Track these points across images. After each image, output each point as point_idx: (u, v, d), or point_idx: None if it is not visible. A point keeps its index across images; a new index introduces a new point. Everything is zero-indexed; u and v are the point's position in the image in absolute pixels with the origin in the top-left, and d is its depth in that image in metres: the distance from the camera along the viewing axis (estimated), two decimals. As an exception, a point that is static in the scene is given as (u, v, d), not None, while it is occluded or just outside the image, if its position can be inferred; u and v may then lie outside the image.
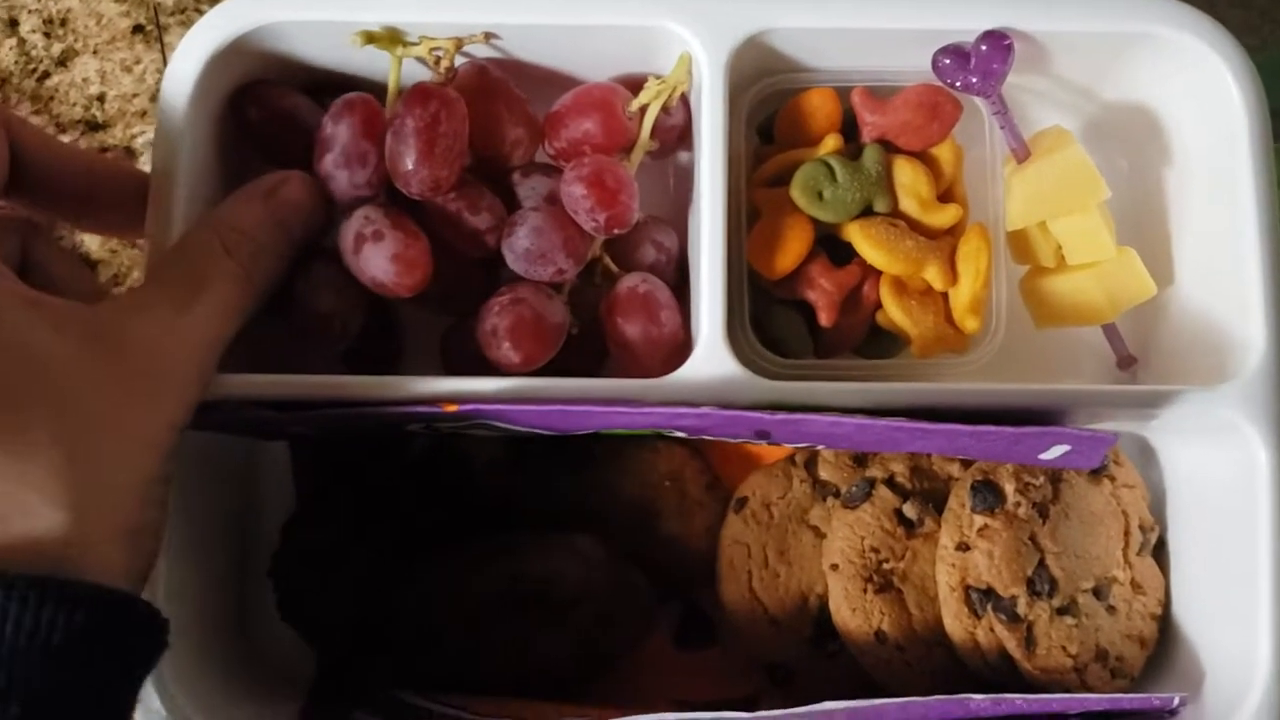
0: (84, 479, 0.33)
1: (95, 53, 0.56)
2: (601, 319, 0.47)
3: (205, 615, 0.47)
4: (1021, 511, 0.45)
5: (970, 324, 0.47)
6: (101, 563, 0.33)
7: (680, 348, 0.46)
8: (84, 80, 0.56)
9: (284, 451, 0.52)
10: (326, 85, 0.49)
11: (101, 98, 0.56)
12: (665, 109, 0.47)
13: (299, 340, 0.45)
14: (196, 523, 0.46)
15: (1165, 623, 0.48)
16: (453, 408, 0.41)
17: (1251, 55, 0.55)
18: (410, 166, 0.44)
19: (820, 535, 0.48)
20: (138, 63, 0.56)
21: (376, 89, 0.47)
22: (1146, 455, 0.50)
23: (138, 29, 0.56)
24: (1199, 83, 0.46)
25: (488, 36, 0.46)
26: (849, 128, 0.49)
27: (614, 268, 0.48)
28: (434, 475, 0.50)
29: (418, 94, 0.44)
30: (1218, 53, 0.45)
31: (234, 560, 0.51)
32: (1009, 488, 0.45)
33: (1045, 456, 0.42)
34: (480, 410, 0.41)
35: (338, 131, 0.44)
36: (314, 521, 0.49)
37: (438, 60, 0.46)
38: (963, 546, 0.45)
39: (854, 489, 0.47)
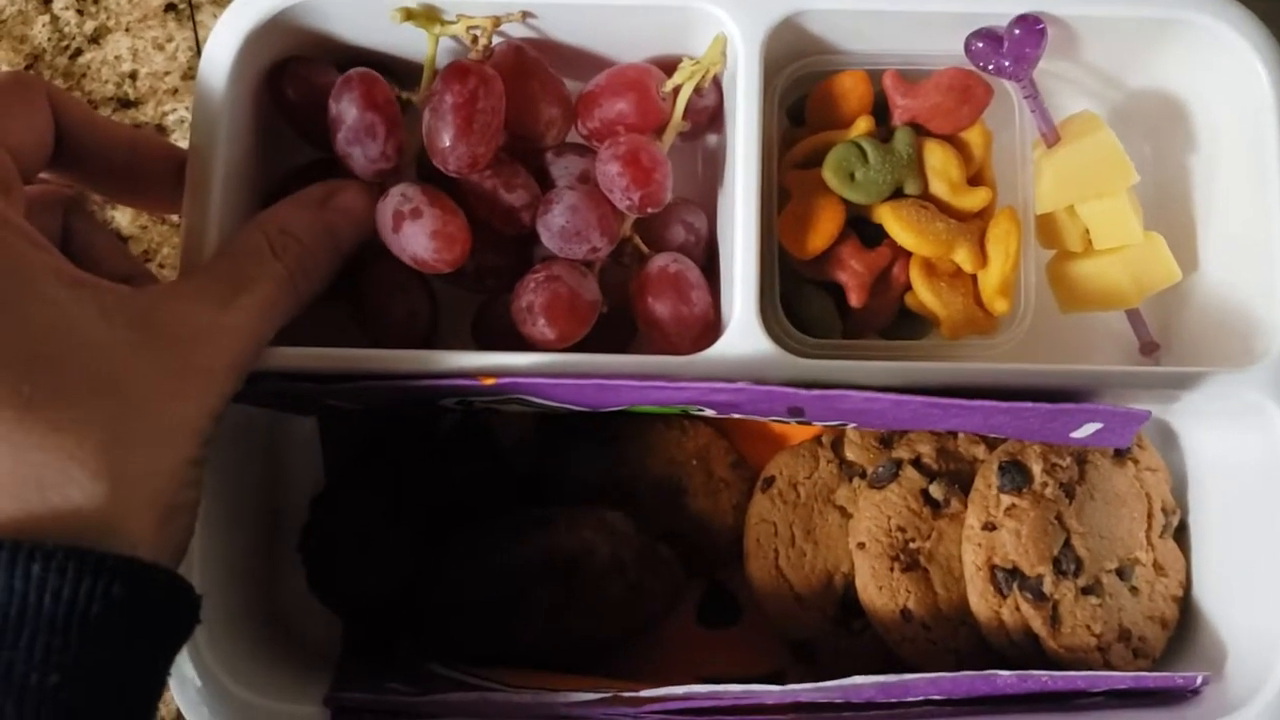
0: (124, 456, 0.33)
1: (127, 30, 0.56)
2: (632, 298, 0.47)
3: (237, 586, 0.47)
4: (1048, 492, 0.45)
5: (1000, 306, 0.47)
6: (139, 537, 0.33)
7: (710, 327, 0.47)
8: (116, 58, 0.56)
9: (310, 427, 0.52)
10: (364, 62, 0.49)
11: (133, 75, 0.56)
12: (698, 90, 0.48)
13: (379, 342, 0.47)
14: (226, 496, 0.47)
15: (1186, 604, 0.49)
16: (490, 381, 0.41)
17: None
18: (448, 143, 0.44)
19: (846, 515, 0.49)
20: (169, 40, 0.56)
21: (413, 67, 0.47)
22: (1168, 439, 0.51)
23: (170, 7, 0.56)
24: (1229, 70, 0.47)
25: (525, 16, 0.46)
26: (880, 111, 0.49)
27: (644, 248, 0.48)
28: (463, 451, 0.50)
29: (456, 71, 0.44)
30: (1248, 40, 0.46)
31: (263, 533, 0.51)
32: (1036, 468, 0.46)
33: (1077, 435, 0.43)
34: (517, 384, 0.42)
35: (341, 109, 0.44)
36: (343, 497, 0.50)
37: (475, 39, 0.46)
38: (989, 526, 0.46)
39: (881, 469, 0.48)
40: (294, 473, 0.52)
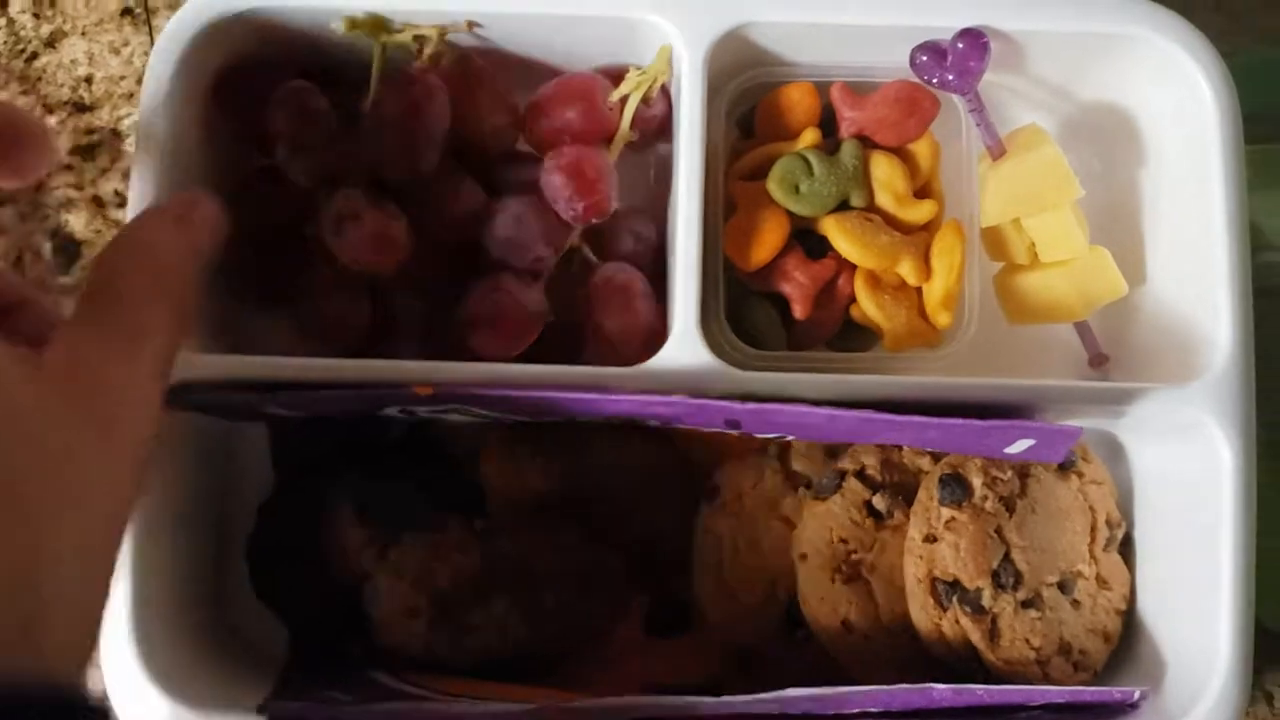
0: (51, 556, 0.30)
1: (84, 34, 0.56)
2: (579, 307, 0.48)
3: (180, 592, 0.47)
4: (988, 505, 0.45)
5: (942, 319, 0.47)
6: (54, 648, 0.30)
7: (656, 337, 0.47)
8: (72, 62, 0.56)
9: (263, 431, 0.52)
10: (315, 67, 0.49)
11: (89, 79, 0.56)
12: (646, 100, 0.48)
13: (309, 342, 0.46)
14: (172, 501, 0.47)
15: (1130, 618, 0.49)
16: (426, 391, 0.41)
17: (1226, 60, 0.56)
18: (391, 152, 0.44)
19: (791, 526, 0.49)
20: (126, 45, 0.56)
21: (364, 72, 0.47)
22: (1115, 452, 0.51)
23: (126, 11, 0.56)
24: (1173, 85, 0.47)
25: (471, 25, 0.46)
26: (828, 122, 0.49)
27: (592, 257, 0.48)
28: (412, 459, 0.50)
29: (399, 80, 0.44)
30: (1192, 56, 0.46)
31: (211, 539, 0.51)
32: (976, 481, 0.46)
33: (1011, 450, 0.43)
34: (453, 394, 0.42)
35: (278, 121, 0.44)
36: (289, 503, 0.50)
37: (421, 47, 0.46)
38: (930, 539, 0.46)
39: (824, 480, 0.48)
40: (245, 478, 0.52)
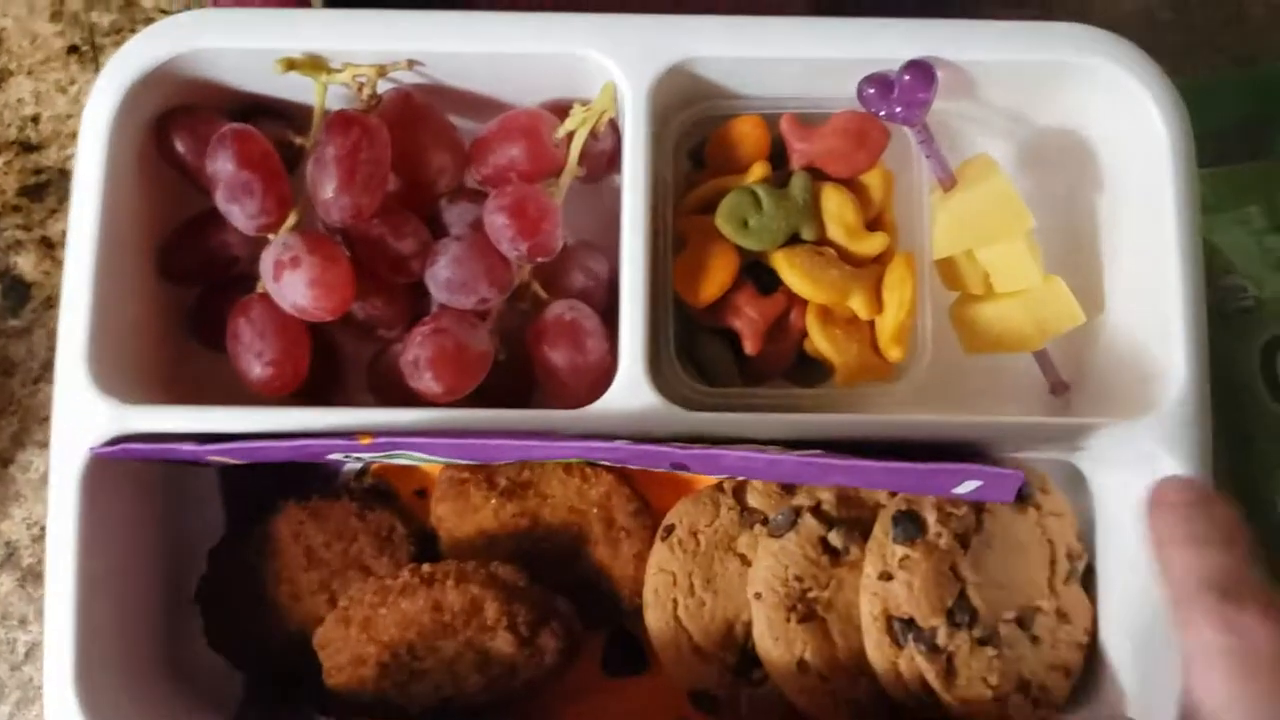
0: None
1: (30, 73, 0.56)
2: (528, 346, 0.47)
3: (129, 638, 0.47)
4: (943, 542, 0.45)
5: (894, 353, 0.47)
6: None
7: (608, 375, 0.46)
8: (18, 101, 0.55)
9: (214, 472, 0.51)
10: (258, 108, 0.49)
11: (36, 119, 0.55)
12: (594, 134, 0.47)
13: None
14: (118, 549, 0.46)
15: (1093, 650, 0.48)
16: (368, 440, 0.41)
17: (1188, 79, 0.55)
18: (330, 194, 0.44)
19: (747, 563, 0.48)
20: (72, 83, 0.55)
21: (307, 113, 0.47)
22: (1076, 482, 0.50)
23: (73, 49, 0.56)
24: (1124, 110, 0.46)
25: (411, 64, 0.46)
26: (780, 154, 0.49)
27: (542, 293, 0.48)
28: (362, 502, 0.49)
29: (338, 122, 0.44)
30: (1140, 80, 0.45)
31: (163, 582, 0.50)
32: (930, 518, 0.45)
33: (959, 491, 0.42)
34: (395, 444, 0.41)
35: (218, 167, 0.44)
36: (240, 547, 0.49)
37: (361, 87, 0.45)
38: (885, 576, 0.45)
39: (779, 517, 0.47)
40: (196, 521, 0.51)
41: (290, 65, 0.45)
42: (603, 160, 0.49)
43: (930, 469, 0.40)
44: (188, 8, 0.56)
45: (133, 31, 0.55)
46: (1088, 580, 0.49)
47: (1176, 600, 0.37)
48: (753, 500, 0.49)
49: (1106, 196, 0.49)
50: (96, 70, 0.56)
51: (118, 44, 0.55)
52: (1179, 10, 0.57)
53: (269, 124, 0.48)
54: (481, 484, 0.49)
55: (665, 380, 0.47)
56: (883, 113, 0.45)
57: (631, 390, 0.43)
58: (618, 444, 0.40)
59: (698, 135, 0.50)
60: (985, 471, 0.40)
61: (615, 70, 0.45)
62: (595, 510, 0.49)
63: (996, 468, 0.40)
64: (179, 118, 0.46)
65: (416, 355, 0.44)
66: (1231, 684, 0.35)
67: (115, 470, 0.45)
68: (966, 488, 0.41)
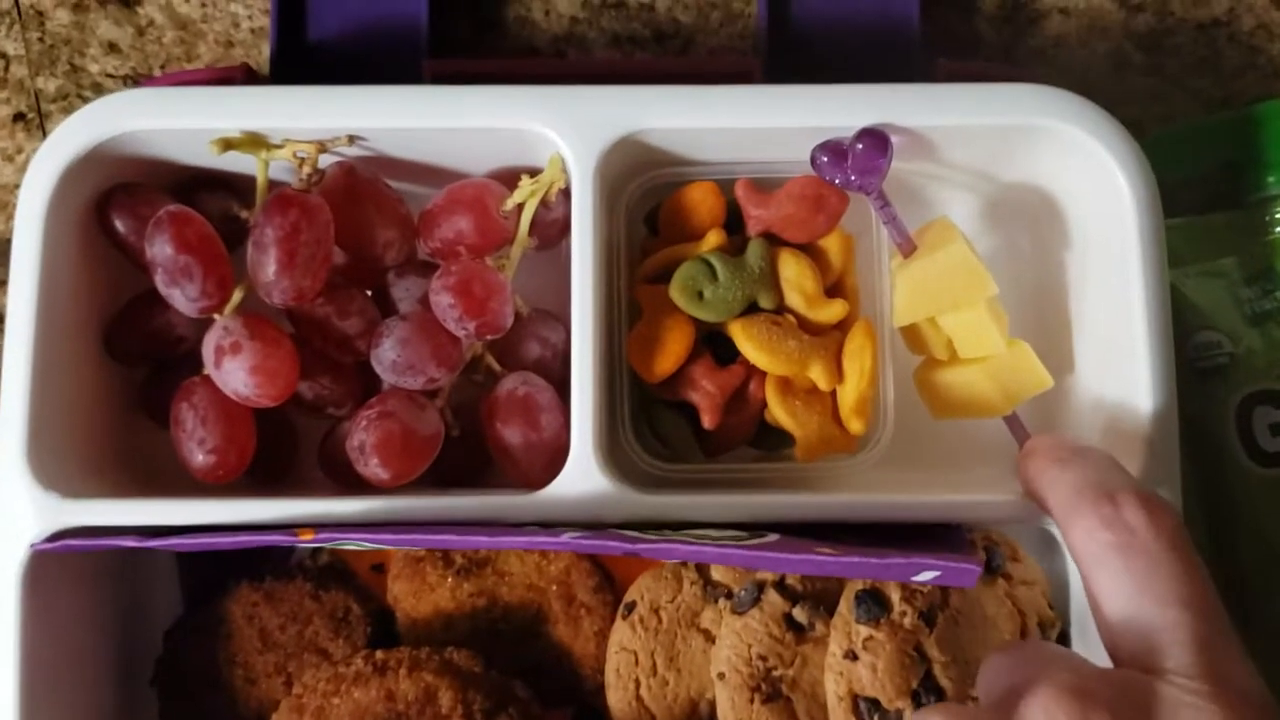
0: None
1: (-24, 141, 0.55)
2: (482, 422, 0.46)
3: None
4: (907, 621, 0.44)
5: (855, 425, 0.45)
6: None
7: (563, 451, 0.45)
8: (-35, 170, 0.54)
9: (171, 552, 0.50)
10: (203, 183, 0.48)
11: (-17, 188, 0.54)
12: (545, 204, 0.46)
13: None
14: (66, 638, 0.45)
15: None
16: (309, 535, 0.40)
17: (1160, 131, 0.54)
18: (271, 277, 0.43)
19: (711, 639, 0.47)
20: (19, 152, 0.54)
21: (254, 185, 0.46)
22: (1049, 545, 0.49)
23: (19, 117, 0.55)
24: (1085, 169, 0.45)
25: (352, 139, 0.44)
26: (736, 219, 0.48)
27: (496, 366, 0.47)
28: (318, 583, 0.48)
29: (277, 203, 0.43)
30: (1100, 140, 0.44)
31: (119, 665, 0.49)
32: (895, 596, 0.44)
33: (918, 579, 0.41)
34: (337, 538, 0.40)
35: (155, 251, 0.42)
36: (196, 629, 0.48)
37: (302, 163, 0.44)
38: (850, 655, 0.44)
39: (743, 593, 0.46)
40: (156, 599, 0.50)
41: (227, 145, 0.43)
42: (556, 228, 0.47)
43: (885, 562, 0.39)
44: (135, 71, 0.55)
45: (80, 98, 0.54)
46: (1065, 644, 0.48)
47: (1059, 517, 0.38)
48: (716, 574, 0.48)
49: (1074, 255, 0.48)
50: (44, 137, 0.54)
51: (65, 110, 0.55)
52: (1150, 53, 0.55)
53: (214, 198, 0.48)
54: (438, 563, 0.48)
55: (622, 456, 0.46)
56: (838, 180, 0.44)
57: (583, 475, 0.42)
58: (565, 538, 0.39)
59: (653, 201, 0.49)
60: (941, 563, 0.39)
61: (562, 144, 0.43)
62: (555, 587, 0.48)
63: (953, 557, 0.39)
64: (118, 197, 0.45)
65: (361, 440, 0.43)
66: (1123, 579, 0.35)
67: (61, 560, 0.44)
68: (925, 576, 0.40)
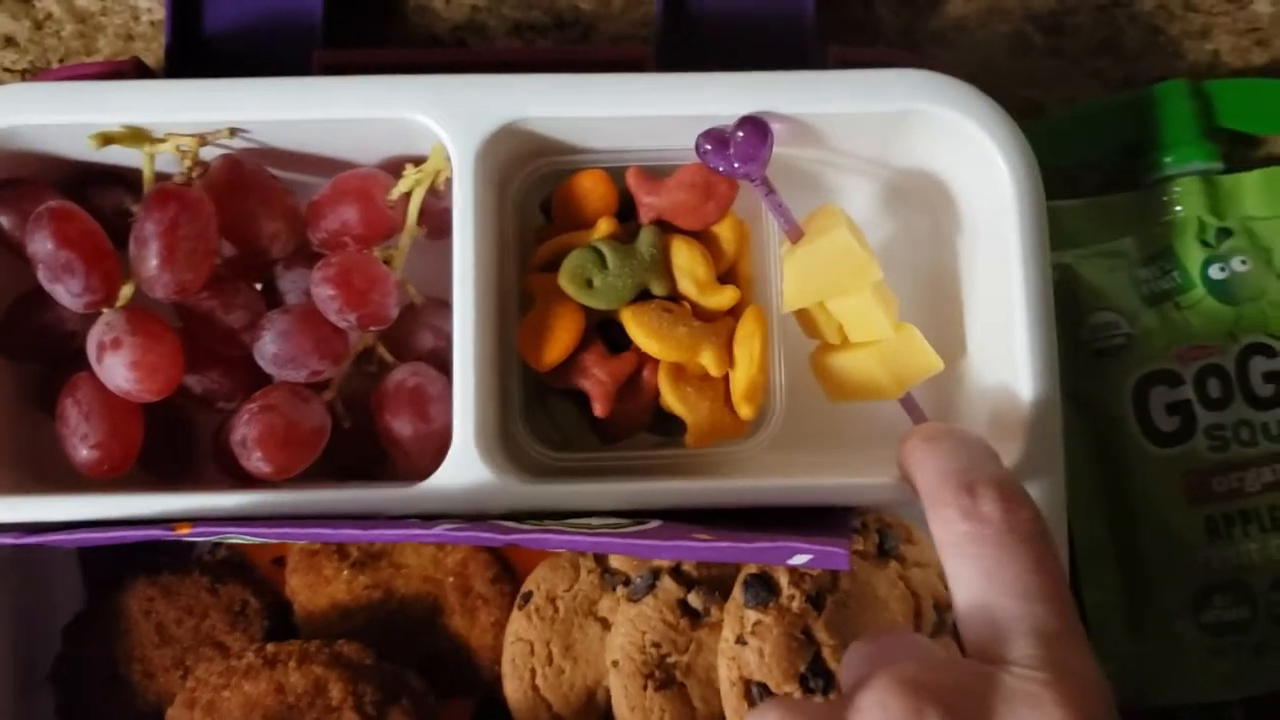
0: None
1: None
2: (372, 413, 0.46)
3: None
4: (795, 605, 0.44)
5: (745, 410, 0.46)
6: None
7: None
8: None
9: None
10: (93, 177, 0.48)
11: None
12: (435, 193, 0.46)
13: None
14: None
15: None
16: (186, 530, 0.40)
17: (1059, 113, 0.54)
18: (153, 271, 0.42)
19: (609, 627, 0.47)
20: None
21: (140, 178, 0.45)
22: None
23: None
24: (968, 154, 0.45)
25: (233, 132, 0.44)
26: (629, 206, 0.48)
27: (388, 357, 0.46)
28: (217, 576, 0.48)
29: (156, 197, 0.43)
30: (988, 132, 0.44)
31: (16, 662, 0.49)
32: (783, 580, 0.44)
33: (794, 562, 0.41)
34: (214, 532, 0.40)
35: (36, 248, 0.42)
36: (95, 624, 0.48)
37: (184, 156, 0.44)
38: (741, 640, 0.44)
39: (639, 580, 0.46)
40: (56, 594, 0.50)
41: (107, 139, 0.43)
42: (447, 216, 0.47)
43: (755, 548, 0.39)
44: (33, 65, 0.54)
45: (-9, 86, 0.54)
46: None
47: (924, 503, 0.38)
48: (614, 562, 0.48)
49: (963, 239, 0.48)
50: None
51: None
52: (1051, 34, 0.56)
53: (106, 192, 0.47)
54: (333, 555, 0.47)
55: (514, 446, 0.46)
56: (721, 168, 0.44)
57: (465, 465, 0.42)
58: (438, 529, 0.39)
59: (548, 189, 0.48)
60: (811, 547, 0.39)
61: (442, 133, 0.43)
62: (451, 579, 0.48)
63: (825, 540, 0.39)
64: (2, 192, 0.45)
65: (244, 435, 0.43)
66: (974, 569, 0.35)
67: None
68: (800, 559, 0.40)
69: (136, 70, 0.49)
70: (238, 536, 0.41)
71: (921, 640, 0.37)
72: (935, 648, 0.36)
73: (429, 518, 0.41)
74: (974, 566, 0.35)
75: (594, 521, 0.41)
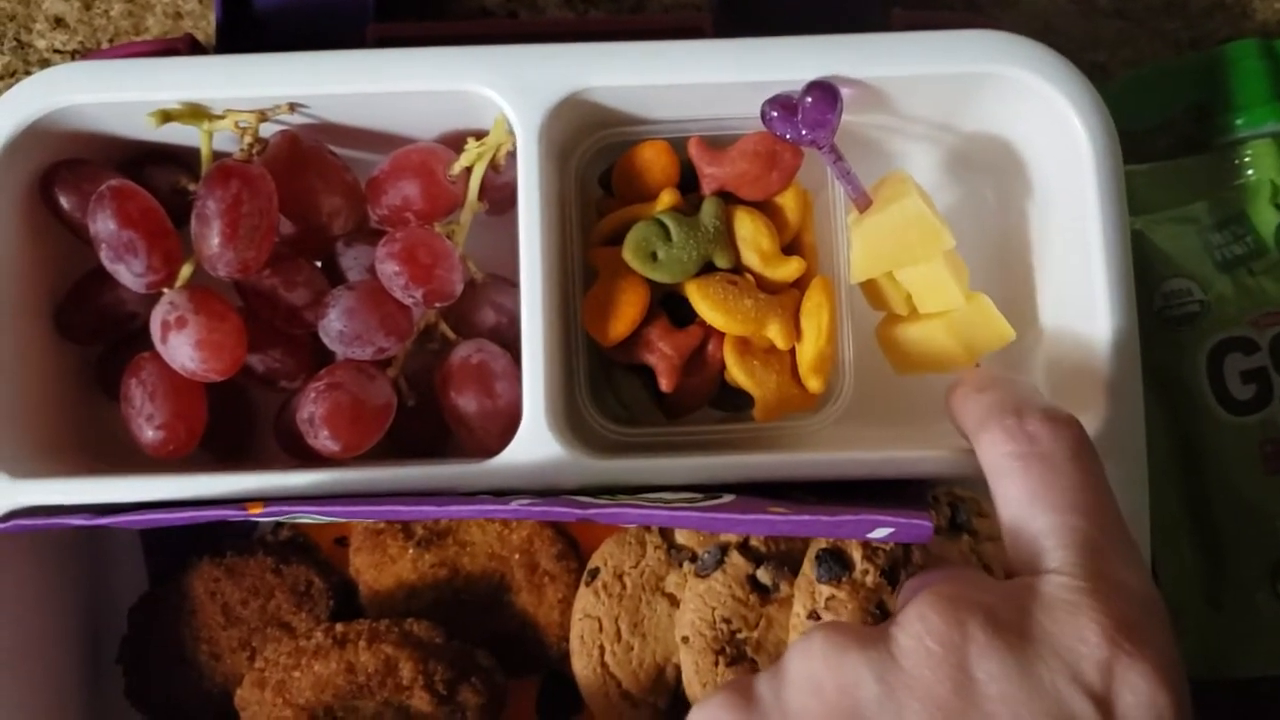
0: None
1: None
2: (436, 391, 0.45)
3: (41, 710, 0.46)
4: (869, 580, 0.43)
5: (813, 384, 0.45)
6: None
7: (519, 418, 0.44)
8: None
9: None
10: (149, 156, 0.47)
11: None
12: (495, 167, 0.45)
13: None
14: (25, 620, 0.45)
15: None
16: (258, 510, 0.39)
17: (1127, 75, 0.53)
18: (215, 249, 0.42)
19: (676, 603, 0.47)
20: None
21: (199, 158, 0.45)
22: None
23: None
24: (1043, 116, 0.44)
25: (293, 107, 0.44)
26: (690, 178, 0.47)
27: (450, 334, 0.46)
28: (281, 556, 0.48)
29: (218, 174, 0.42)
30: (1064, 94, 0.43)
31: (84, 644, 0.49)
32: (857, 555, 0.43)
33: (874, 536, 0.40)
34: (287, 511, 0.40)
35: (99, 228, 0.42)
36: (160, 605, 0.48)
37: (243, 133, 0.44)
38: (813, 615, 0.44)
39: (706, 555, 0.46)
40: (122, 576, 0.50)
41: (166, 117, 0.43)
42: (508, 191, 0.47)
43: (837, 519, 0.38)
44: (83, 45, 0.54)
45: (28, 74, 0.53)
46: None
47: (972, 437, 0.38)
48: (680, 538, 0.47)
49: (1035, 205, 0.47)
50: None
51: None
52: (1117, -5, 0.54)
53: (162, 171, 0.47)
54: (398, 534, 0.47)
55: (579, 422, 0.45)
56: (788, 135, 0.43)
57: (536, 441, 0.42)
58: (514, 505, 0.39)
59: (607, 161, 0.48)
60: (894, 520, 0.38)
61: (505, 105, 0.43)
62: (517, 556, 0.47)
63: (907, 513, 0.38)
64: (61, 173, 0.45)
65: (310, 413, 0.42)
66: (1020, 486, 0.35)
67: (17, 540, 0.44)
68: (880, 533, 0.39)
69: (191, 48, 0.49)
70: (310, 516, 0.41)
71: (971, 571, 0.38)
72: (986, 577, 0.36)
73: (500, 493, 0.41)
74: (1019, 485, 0.35)
75: (668, 496, 0.41)
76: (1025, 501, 0.35)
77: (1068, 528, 0.34)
